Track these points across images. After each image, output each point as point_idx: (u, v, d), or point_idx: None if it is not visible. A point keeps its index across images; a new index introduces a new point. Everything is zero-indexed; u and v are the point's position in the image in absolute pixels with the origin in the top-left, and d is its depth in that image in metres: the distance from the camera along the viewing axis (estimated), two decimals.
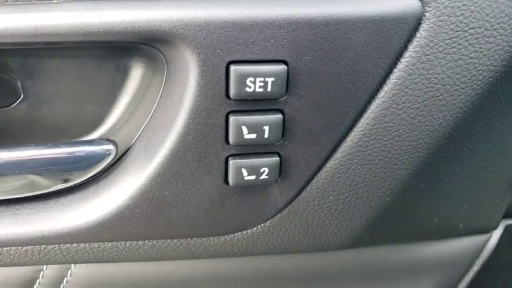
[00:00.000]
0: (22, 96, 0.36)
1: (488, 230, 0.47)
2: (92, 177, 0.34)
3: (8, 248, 0.36)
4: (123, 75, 0.35)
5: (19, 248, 0.36)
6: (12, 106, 0.36)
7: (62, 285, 0.43)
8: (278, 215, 0.36)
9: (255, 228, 0.36)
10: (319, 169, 0.34)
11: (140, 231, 0.34)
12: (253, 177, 0.32)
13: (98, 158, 0.34)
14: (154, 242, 0.36)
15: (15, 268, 0.42)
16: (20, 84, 0.35)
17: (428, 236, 0.45)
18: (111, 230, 0.34)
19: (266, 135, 0.31)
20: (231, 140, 0.31)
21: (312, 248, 0.39)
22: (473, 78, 0.33)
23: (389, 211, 0.38)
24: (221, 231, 0.36)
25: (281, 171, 0.33)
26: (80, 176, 0.34)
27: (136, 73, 0.35)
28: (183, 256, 0.38)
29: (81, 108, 0.36)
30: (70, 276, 0.43)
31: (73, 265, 0.42)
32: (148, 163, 0.32)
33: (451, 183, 0.40)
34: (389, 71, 0.32)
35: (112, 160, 0.34)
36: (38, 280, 0.43)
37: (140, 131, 0.34)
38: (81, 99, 0.36)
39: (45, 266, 0.42)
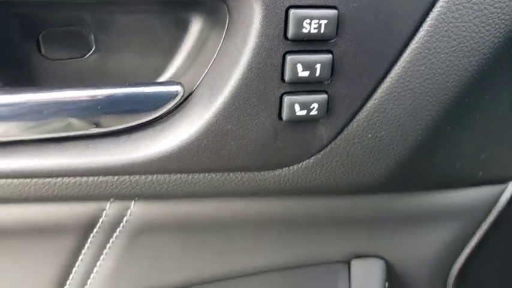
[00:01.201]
0: (94, 48, 0.41)
1: (505, 180, 0.51)
2: (161, 115, 0.39)
3: (81, 178, 0.41)
4: (184, 27, 0.40)
5: (91, 178, 0.41)
6: (85, 57, 0.41)
7: (122, 224, 0.48)
8: (322, 152, 0.40)
9: (300, 164, 0.41)
10: (360, 108, 0.39)
11: (205, 162, 0.39)
12: (304, 112, 0.37)
13: (167, 97, 0.39)
14: (213, 175, 0.41)
15: (80, 206, 0.47)
16: (92, 37, 0.41)
17: (450, 184, 0.49)
18: (179, 160, 0.39)
19: (317, 73, 0.36)
20: (286, 77, 0.36)
21: (349, 186, 0.43)
22: (496, 26, 0.37)
23: (419, 152, 0.42)
24: (272, 165, 0.41)
25: (328, 108, 0.38)
26: (150, 114, 0.39)
27: (197, 26, 0.40)
28: (237, 190, 0.43)
29: (148, 58, 0.41)
30: (129, 216, 0.48)
31: (132, 204, 0.47)
32: (214, 100, 0.37)
33: (473, 129, 0.44)
34: (423, 19, 0.37)
35: (180, 99, 0.39)
36: (101, 219, 0.48)
37: (205, 73, 0.39)
38: (147, 50, 0.41)
39: (108, 205, 0.47)
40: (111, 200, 0.47)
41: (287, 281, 0.52)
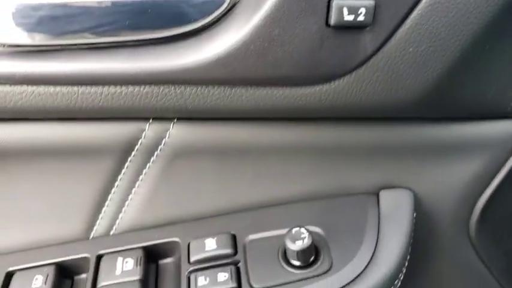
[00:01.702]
0: None
1: None
2: (209, 22, 0.40)
3: (127, 89, 0.42)
4: None
5: (136, 88, 0.42)
6: None
7: (160, 147, 0.49)
8: (363, 66, 0.41)
9: (342, 79, 0.42)
10: (405, 18, 0.39)
11: (250, 69, 0.40)
12: (351, 17, 0.38)
13: (215, 4, 0.40)
14: (255, 89, 0.42)
15: (121, 127, 0.48)
16: None
17: (480, 114, 0.50)
18: (226, 66, 0.39)
19: None
20: None
21: (386, 105, 0.44)
22: None
23: (456, 71, 0.43)
24: (315, 78, 0.41)
25: (374, 15, 0.39)
26: (198, 22, 0.40)
27: None
28: (277, 107, 0.43)
29: None
30: (168, 138, 0.49)
31: (171, 126, 0.48)
32: (262, 3, 0.38)
33: (505, 57, 0.45)
34: None
35: (227, 6, 0.39)
36: (140, 140, 0.49)
37: None
38: None
39: (147, 126, 0.48)
40: (151, 121, 0.48)
41: (316, 211, 0.53)
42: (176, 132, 0.48)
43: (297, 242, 0.46)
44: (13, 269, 0.52)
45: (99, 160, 0.49)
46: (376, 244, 0.49)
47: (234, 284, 0.46)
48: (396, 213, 0.51)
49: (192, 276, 0.48)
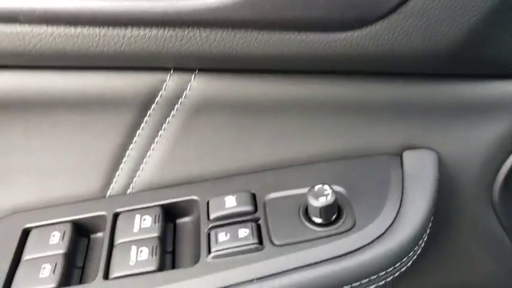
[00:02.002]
0: None
1: None
2: None
3: (150, 32, 0.40)
4: None
5: (160, 31, 0.40)
6: None
7: (181, 100, 0.48)
8: (398, 10, 0.40)
9: (374, 26, 0.40)
10: None
11: (279, 10, 0.38)
12: None
13: None
14: (282, 34, 0.41)
15: (141, 77, 0.46)
16: None
17: (509, 73, 0.48)
18: (254, 6, 0.38)
19: None
20: None
21: (417, 54, 0.43)
22: None
23: (489, 21, 0.41)
24: (347, 21, 0.40)
25: None
26: None
27: None
28: (305, 53, 0.42)
29: None
30: (189, 90, 0.47)
31: (193, 77, 0.47)
32: None
33: None
34: None
35: None
36: (160, 92, 0.47)
37: None
38: None
39: (168, 76, 0.47)
40: (172, 71, 0.46)
41: (338, 171, 0.51)
42: (197, 85, 0.46)
43: (320, 198, 0.45)
44: (30, 225, 0.51)
45: (118, 113, 0.48)
46: (400, 204, 0.48)
47: (255, 240, 0.46)
48: (420, 174, 0.50)
49: (212, 233, 0.47)
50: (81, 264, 0.50)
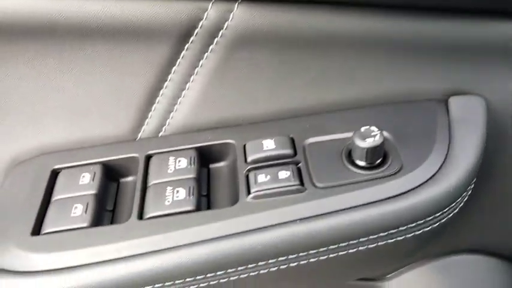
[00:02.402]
0: None
1: None
2: None
3: None
4: None
5: None
6: None
7: (221, 31, 0.45)
8: None
9: None
10: None
11: None
12: None
13: None
14: None
15: (182, 4, 0.44)
16: None
17: None
18: None
19: None
20: None
21: None
22: None
23: None
24: None
25: None
26: None
27: None
28: None
29: None
30: (231, 20, 0.45)
31: (236, 6, 0.44)
32: None
33: None
34: None
35: None
36: (201, 22, 0.45)
37: None
38: None
39: (210, 5, 0.44)
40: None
41: (383, 116, 0.49)
42: (240, 14, 0.44)
43: (367, 139, 0.43)
44: (58, 167, 0.50)
45: (155, 45, 0.45)
46: (448, 148, 0.45)
47: (297, 182, 0.44)
48: (468, 120, 0.48)
49: (251, 174, 0.45)
50: (111, 208, 0.49)
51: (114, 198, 0.49)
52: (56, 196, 0.47)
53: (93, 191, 0.46)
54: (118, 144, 0.51)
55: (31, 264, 0.42)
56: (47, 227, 0.44)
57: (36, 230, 0.44)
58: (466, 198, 0.46)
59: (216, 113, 0.50)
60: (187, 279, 0.42)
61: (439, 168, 0.44)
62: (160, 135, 0.51)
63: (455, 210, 0.45)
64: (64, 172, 0.49)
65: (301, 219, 0.42)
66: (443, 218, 0.44)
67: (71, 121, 0.50)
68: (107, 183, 0.49)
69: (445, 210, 0.43)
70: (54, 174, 0.49)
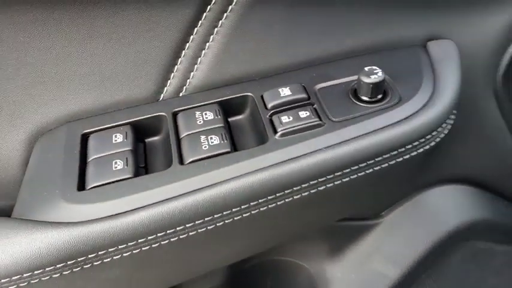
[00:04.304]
0: None
1: None
2: None
3: None
4: None
5: None
6: None
7: None
8: None
9: None
10: None
11: None
12: None
13: None
14: None
15: None
16: None
17: None
18: None
19: None
20: None
21: None
22: None
23: None
24: None
25: None
26: None
27: None
28: None
29: None
30: None
31: None
32: None
33: None
34: None
35: None
36: None
37: None
38: None
39: None
40: None
41: (378, 61, 0.56)
42: None
43: (372, 76, 0.51)
44: (88, 131, 0.52)
45: (179, 8, 0.50)
46: (434, 82, 0.54)
47: (316, 119, 0.50)
48: (445, 59, 0.57)
49: (275, 117, 0.51)
50: (143, 165, 0.52)
51: (144, 157, 0.53)
52: (92, 156, 0.50)
53: (129, 147, 0.50)
54: (143, 106, 0.54)
55: (83, 215, 0.45)
56: (91, 182, 0.47)
57: (81, 186, 0.47)
58: (449, 127, 0.54)
59: (233, 70, 0.55)
60: (234, 209, 0.47)
61: (429, 98, 0.52)
62: (181, 94, 0.56)
63: (442, 135, 0.54)
64: (94, 135, 0.52)
65: (326, 147, 0.48)
66: (437, 138, 0.53)
67: (96, 87, 0.53)
68: (137, 143, 0.53)
69: (439, 129, 0.52)
70: (85, 138, 0.52)
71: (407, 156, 0.52)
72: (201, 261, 0.55)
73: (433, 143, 0.52)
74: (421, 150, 0.52)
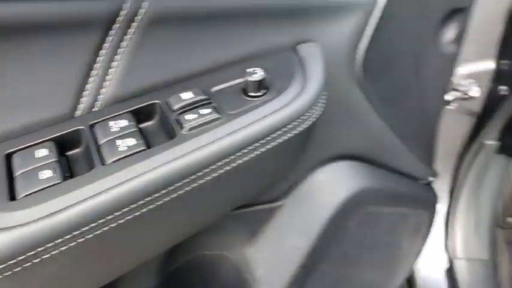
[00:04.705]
0: None
1: None
2: None
3: None
4: None
5: None
6: None
7: (138, 17, 0.60)
8: None
9: None
10: None
11: None
12: None
13: None
14: None
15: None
16: None
17: None
18: None
19: None
20: None
21: None
22: None
23: None
24: None
25: None
26: None
27: None
28: None
29: None
30: (144, 9, 0.60)
31: None
32: None
33: None
34: None
35: None
36: (121, 11, 0.59)
37: None
38: None
39: None
40: None
41: (259, 64, 0.69)
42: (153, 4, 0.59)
43: (254, 76, 0.63)
44: (11, 151, 0.57)
45: (85, 35, 0.58)
46: (304, 76, 0.68)
47: (216, 114, 0.61)
48: (312, 57, 0.72)
49: (180, 116, 0.61)
50: (69, 175, 0.58)
51: (68, 167, 0.59)
52: (19, 171, 0.55)
53: (55, 159, 0.56)
54: (61, 123, 0.61)
55: (18, 220, 0.50)
56: (21, 192, 0.52)
57: (12, 198, 0.52)
58: (320, 111, 0.68)
59: (140, 83, 0.64)
60: (153, 196, 0.55)
61: (300, 89, 0.66)
62: (94, 110, 0.63)
63: (314, 118, 0.67)
64: (18, 154, 0.57)
65: (227, 134, 0.59)
66: (309, 120, 0.66)
67: (15, 110, 0.58)
68: (60, 156, 0.59)
69: (308, 114, 0.66)
70: (8, 157, 0.57)
71: (290, 135, 0.65)
72: (130, 251, 0.62)
73: (307, 124, 0.66)
74: (299, 130, 0.65)
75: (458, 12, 0.95)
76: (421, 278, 1.45)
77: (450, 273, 1.44)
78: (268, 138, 0.62)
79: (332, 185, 0.91)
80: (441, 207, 1.49)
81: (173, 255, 0.86)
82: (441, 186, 1.48)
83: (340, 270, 1.00)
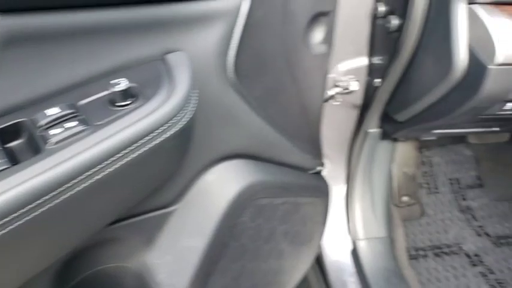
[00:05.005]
0: None
1: None
2: None
3: None
4: None
5: None
6: None
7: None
8: None
9: None
10: None
11: None
12: None
13: None
14: None
15: None
16: None
17: None
18: None
19: None
20: None
21: None
22: None
23: None
24: None
25: None
26: None
27: None
28: None
29: None
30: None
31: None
32: None
33: None
34: None
35: None
36: None
37: None
38: None
39: None
40: None
41: (128, 75, 0.72)
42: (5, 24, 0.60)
43: (118, 86, 0.67)
44: None
45: None
46: (171, 83, 0.73)
47: (83, 125, 0.64)
48: (179, 65, 0.76)
49: (44, 132, 0.62)
50: None
51: None
52: None
53: None
54: None
55: None
56: None
57: None
58: (190, 114, 0.73)
59: (3, 104, 0.65)
60: (24, 210, 0.56)
61: (168, 95, 0.71)
62: None
63: (184, 121, 0.72)
64: None
65: (97, 143, 0.62)
66: (179, 123, 0.71)
67: None
68: None
69: (177, 118, 0.70)
70: None
71: (162, 139, 0.69)
72: (11, 268, 0.62)
73: (178, 127, 0.71)
74: (170, 133, 0.69)
75: (323, 16, 1.06)
76: (330, 262, 1.56)
77: (354, 254, 1.56)
78: (137, 144, 0.66)
79: (222, 184, 0.96)
80: (340, 194, 1.61)
81: (69, 272, 0.86)
82: (339, 175, 1.60)
83: (242, 264, 1.05)
